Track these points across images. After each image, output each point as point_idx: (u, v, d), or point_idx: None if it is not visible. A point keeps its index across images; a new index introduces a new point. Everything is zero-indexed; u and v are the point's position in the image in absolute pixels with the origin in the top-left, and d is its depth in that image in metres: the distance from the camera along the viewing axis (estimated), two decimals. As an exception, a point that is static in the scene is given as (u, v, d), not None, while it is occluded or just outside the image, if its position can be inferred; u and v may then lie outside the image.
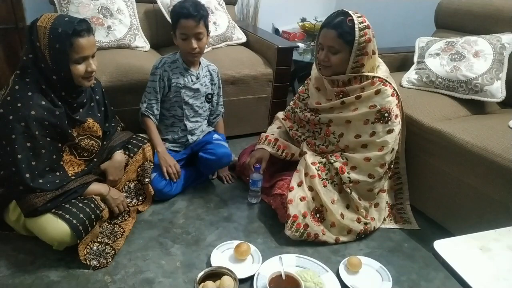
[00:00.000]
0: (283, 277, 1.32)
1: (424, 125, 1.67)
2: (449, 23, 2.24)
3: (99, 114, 1.55)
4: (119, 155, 1.60)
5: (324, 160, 1.66)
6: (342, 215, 1.60)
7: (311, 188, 1.61)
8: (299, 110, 1.82)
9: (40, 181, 1.31)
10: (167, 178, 1.74)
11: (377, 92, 1.53)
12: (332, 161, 1.63)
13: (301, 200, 1.58)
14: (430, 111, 1.73)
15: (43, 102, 1.30)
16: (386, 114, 1.53)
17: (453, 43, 1.97)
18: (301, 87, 1.88)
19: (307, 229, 1.56)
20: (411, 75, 2.01)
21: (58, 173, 1.39)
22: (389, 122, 1.54)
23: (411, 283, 1.45)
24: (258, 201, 1.81)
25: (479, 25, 2.05)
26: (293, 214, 1.56)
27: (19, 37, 2.43)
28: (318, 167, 1.64)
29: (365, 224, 1.63)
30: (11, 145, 1.27)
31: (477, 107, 1.85)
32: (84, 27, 1.30)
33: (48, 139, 1.34)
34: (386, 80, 1.56)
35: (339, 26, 1.48)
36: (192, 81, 1.82)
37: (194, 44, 1.69)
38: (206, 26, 1.72)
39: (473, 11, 2.10)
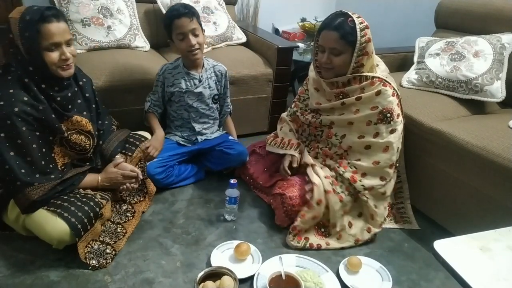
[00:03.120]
0: (283, 277, 1.32)
1: (424, 125, 1.67)
2: (449, 23, 2.24)
3: (88, 112, 1.53)
4: (119, 159, 1.60)
5: (333, 173, 1.63)
6: (350, 224, 1.59)
7: (318, 202, 1.57)
8: (300, 112, 1.80)
9: (37, 175, 1.32)
10: (150, 154, 1.72)
11: (378, 93, 1.53)
12: (341, 172, 1.60)
13: (312, 219, 1.57)
14: (430, 111, 1.73)
15: (25, 98, 1.29)
16: (388, 115, 1.53)
17: (453, 43, 1.97)
18: (300, 88, 1.86)
19: (309, 240, 1.57)
20: (411, 75, 2.01)
21: (51, 165, 1.38)
22: (392, 122, 1.54)
23: (411, 283, 1.45)
24: (234, 218, 1.70)
25: (479, 25, 2.05)
26: (298, 229, 1.56)
27: (19, 37, 2.43)
28: (332, 181, 1.60)
29: (375, 234, 1.61)
30: (2, 144, 1.27)
31: (477, 107, 1.85)
32: (51, 12, 1.28)
33: (37, 133, 1.33)
34: (385, 80, 1.55)
35: (341, 27, 1.47)
36: (194, 84, 1.84)
37: (193, 40, 1.71)
38: (200, 24, 1.75)
39: (473, 11, 2.10)
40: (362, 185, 1.57)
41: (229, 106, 2.06)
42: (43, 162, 1.35)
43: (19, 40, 1.27)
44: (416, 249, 1.62)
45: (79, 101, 1.49)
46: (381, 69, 1.62)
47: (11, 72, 1.30)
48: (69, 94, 1.43)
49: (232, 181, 1.65)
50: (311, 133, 1.76)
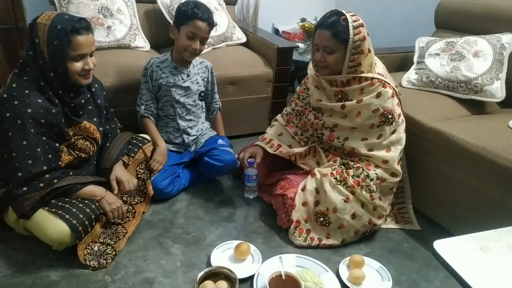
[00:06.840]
0: (283, 277, 1.32)
1: (424, 125, 1.67)
2: (449, 23, 2.24)
3: (98, 118, 1.53)
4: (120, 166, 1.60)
5: (338, 167, 1.62)
6: (354, 215, 1.57)
7: (317, 191, 1.59)
8: (301, 111, 1.80)
9: (24, 188, 1.30)
10: (154, 168, 1.74)
11: (378, 95, 1.54)
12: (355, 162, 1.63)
13: (303, 205, 1.58)
14: (430, 111, 1.73)
15: (40, 100, 1.30)
16: (390, 116, 1.54)
17: (453, 43, 1.97)
18: (299, 87, 1.87)
19: (310, 234, 1.57)
20: (411, 75, 2.01)
21: (53, 171, 1.37)
22: (394, 123, 1.55)
23: (411, 283, 1.45)
24: (255, 195, 1.81)
25: (479, 25, 2.06)
26: (296, 219, 1.57)
27: (19, 37, 2.43)
28: (334, 168, 1.61)
29: (374, 225, 1.61)
30: (8, 143, 1.28)
31: (477, 107, 1.85)
32: (83, 25, 1.31)
33: (44, 138, 1.33)
34: (385, 81, 1.55)
35: (333, 26, 1.49)
36: (182, 79, 1.83)
37: (198, 45, 1.73)
38: None
39: (473, 11, 2.10)
40: (376, 173, 1.57)
41: (218, 102, 2.04)
42: (44, 168, 1.33)
43: (45, 46, 1.28)
44: (416, 249, 1.62)
45: (90, 107, 1.50)
46: (379, 68, 1.62)
47: (27, 73, 1.31)
48: (83, 101, 1.45)
49: (250, 160, 1.72)
50: (314, 134, 1.76)
